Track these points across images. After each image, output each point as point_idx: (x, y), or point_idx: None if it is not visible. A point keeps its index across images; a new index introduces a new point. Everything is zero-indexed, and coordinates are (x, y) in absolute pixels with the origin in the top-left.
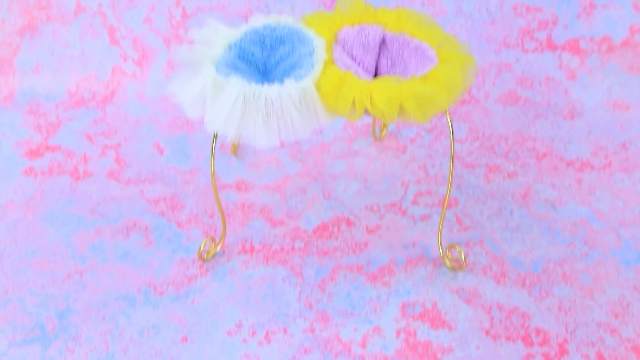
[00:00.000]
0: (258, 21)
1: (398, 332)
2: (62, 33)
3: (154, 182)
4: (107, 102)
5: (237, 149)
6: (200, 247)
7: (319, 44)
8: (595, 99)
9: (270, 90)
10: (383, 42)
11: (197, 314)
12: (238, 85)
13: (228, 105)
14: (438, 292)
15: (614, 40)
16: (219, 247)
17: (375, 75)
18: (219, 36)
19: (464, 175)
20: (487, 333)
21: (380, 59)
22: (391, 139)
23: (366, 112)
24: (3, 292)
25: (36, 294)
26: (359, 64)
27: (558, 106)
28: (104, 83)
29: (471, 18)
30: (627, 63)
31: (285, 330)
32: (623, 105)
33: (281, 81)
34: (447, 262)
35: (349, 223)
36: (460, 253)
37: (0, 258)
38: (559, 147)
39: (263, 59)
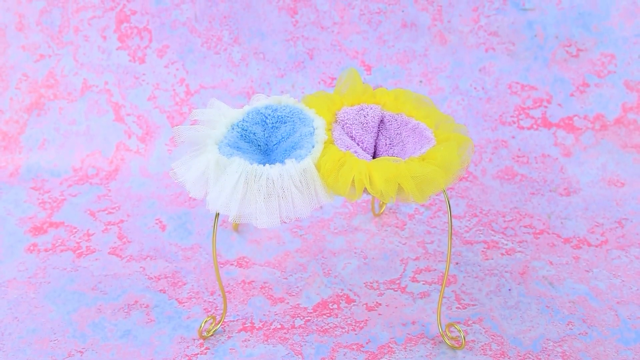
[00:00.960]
0: (260, 101)
1: None
2: (68, 110)
3: (155, 258)
4: (111, 178)
5: (238, 225)
6: (200, 326)
7: (319, 124)
8: (590, 175)
9: (272, 170)
10: (382, 121)
11: None
12: (240, 165)
13: (230, 184)
14: None
15: (607, 118)
16: (218, 326)
17: (375, 154)
18: (221, 116)
19: (462, 251)
20: None
21: (379, 139)
22: (390, 216)
23: (365, 191)
24: None
25: None
26: (358, 143)
27: (554, 183)
28: (108, 159)
29: (467, 96)
30: (620, 140)
31: None
32: (618, 182)
33: (282, 161)
34: (447, 341)
35: (348, 300)
36: (460, 332)
37: (1, 336)
38: (556, 223)
39: (264, 139)
